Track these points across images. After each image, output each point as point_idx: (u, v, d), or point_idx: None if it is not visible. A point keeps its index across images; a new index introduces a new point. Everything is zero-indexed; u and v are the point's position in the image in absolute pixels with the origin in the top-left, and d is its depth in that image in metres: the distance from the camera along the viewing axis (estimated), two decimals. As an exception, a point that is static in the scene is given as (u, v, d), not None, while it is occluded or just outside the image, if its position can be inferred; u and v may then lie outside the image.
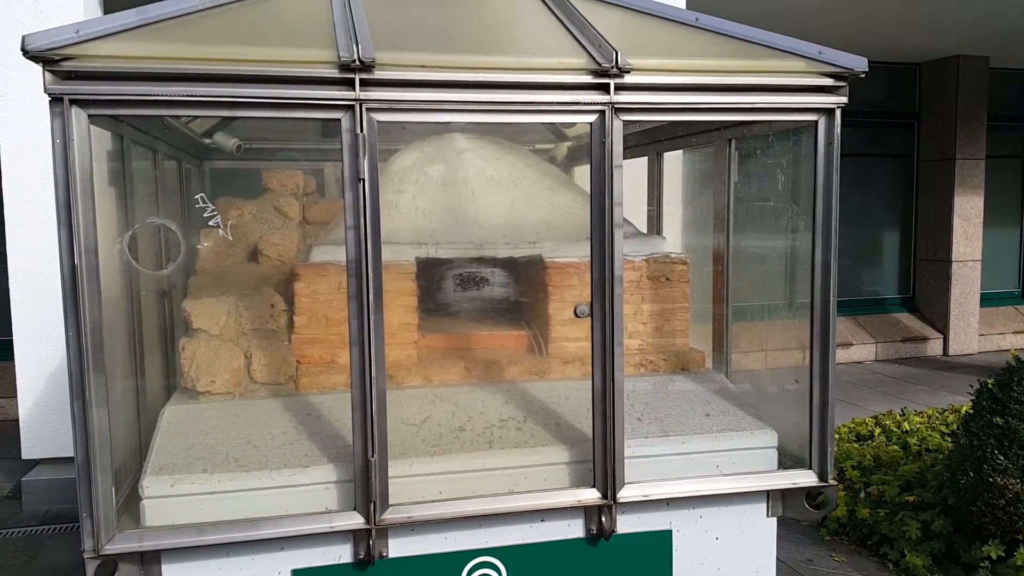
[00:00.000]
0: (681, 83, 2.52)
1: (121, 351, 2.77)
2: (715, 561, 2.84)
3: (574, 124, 3.96)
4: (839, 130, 2.67)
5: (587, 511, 2.66)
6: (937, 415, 6.43)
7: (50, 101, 2.15)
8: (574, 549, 2.70)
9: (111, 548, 2.28)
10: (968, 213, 10.00)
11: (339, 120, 2.32)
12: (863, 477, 5.05)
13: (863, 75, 2.60)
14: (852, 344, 10.02)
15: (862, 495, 4.89)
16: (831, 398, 2.75)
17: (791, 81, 2.60)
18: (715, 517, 2.82)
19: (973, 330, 10.40)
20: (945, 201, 10.04)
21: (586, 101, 2.47)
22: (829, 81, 2.61)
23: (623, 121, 2.52)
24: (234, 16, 2.56)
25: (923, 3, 7.19)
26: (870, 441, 5.91)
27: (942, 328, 10.45)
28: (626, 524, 2.71)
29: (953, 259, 10.10)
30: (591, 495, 2.62)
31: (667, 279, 3.30)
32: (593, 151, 2.52)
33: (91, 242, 2.20)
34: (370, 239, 2.35)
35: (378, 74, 2.31)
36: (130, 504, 2.47)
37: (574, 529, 2.69)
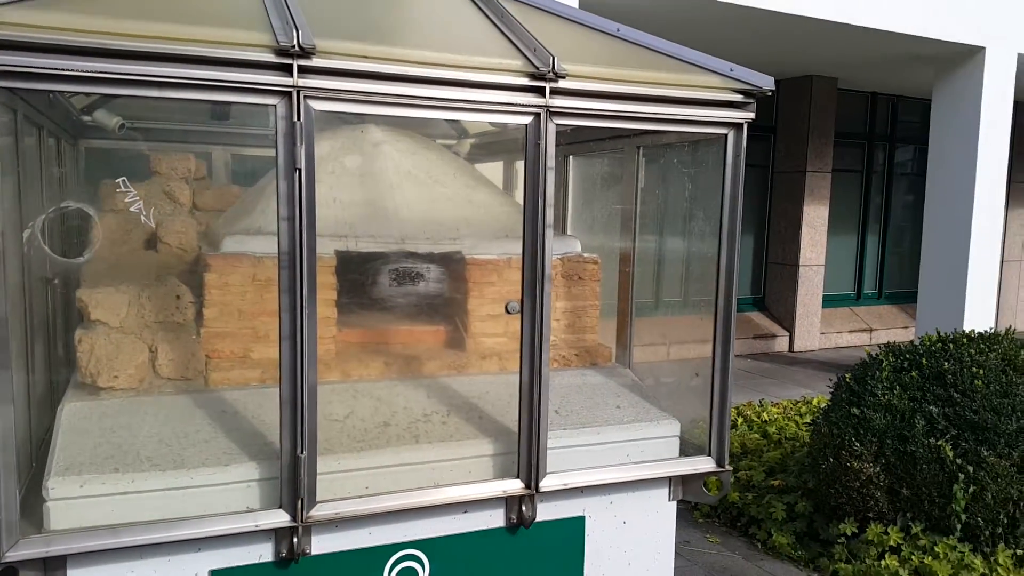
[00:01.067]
0: (612, 91, 2.64)
1: (15, 343, 2.54)
2: (622, 544, 3.01)
3: (498, 124, 4.02)
4: (745, 143, 2.90)
5: (508, 501, 2.74)
6: (791, 406, 7.06)
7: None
8: (494, 538, 2.77)
9: (13, 555, 2.10)
10: (815, 221, 10.97)
11: (274, 106, 2.25)
12: (731, 463, 5.47)
13: (769, 92, 2.83)
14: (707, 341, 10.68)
15: (731, 480, 5.29)
16: (729, 390, 2.98)
17: (707, 95, 2.79)
18: (623, 502, 2.99)
19: (815, 328, 11.42)
20: (795, 210, 10.95)
21: (523, 103, 2.54)
22: (739, 97, 2.83)
23: (556, 125, 2.61)
24: None
25: (781, 30, 7.82)
26: (734, 430, 6.40)
27: (788, 326, 11.40)
28: (544, 512, 2.81)
29: (800, 263, 11.05)
30: (515, 486, 2.70)
31: (579, 277, 3.44)
32: (527, 153, 2.60)
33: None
34: (305, 231, 2.30)
35: (317, 62, 2.26)
36: (28, 507, 2.28)
37: (495, 519, 2.76)
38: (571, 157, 4.18)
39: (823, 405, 6.88)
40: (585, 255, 3.48)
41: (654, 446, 3.01)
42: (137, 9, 2.22)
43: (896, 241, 12.67)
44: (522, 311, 2.64)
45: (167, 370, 2.77)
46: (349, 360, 3.01)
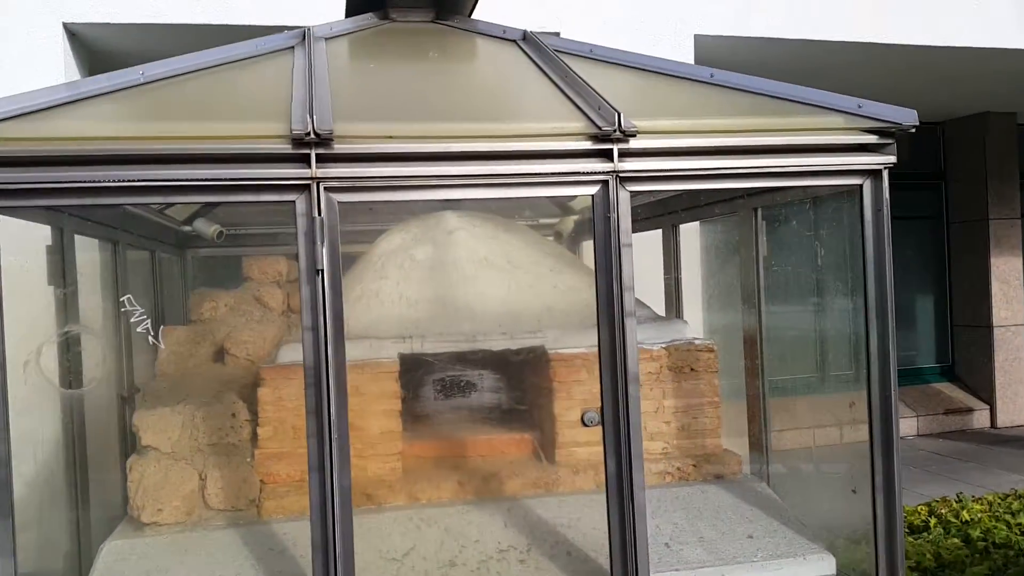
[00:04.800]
0: (696, 146, 2.14)
1: (59, 478, 2.37)
2: None
3: (575, 196, 3.61)
4: (888, 194, 2.28)
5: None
6: (999, 501, 5.79)
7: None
8: None
9: None
10: (1007, 275, 9.48)
11: (293, 203, 1.96)
12: (924, 581, 4.44)
13: (912, 129, 2.21)
14: (892, 418, 9.35)
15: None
16: (898, 516, 2.25)
17: (827, 140, 2.21)
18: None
19: (1022, 399, 9.73)
20: (981, 264, 9.54)
21: (586, 171, 2.10)
22: (873, 138, 2.23)
23: (630, 192, 2.14)
24: (179, 90, 2.25)
25: (947, 63, 6.90)
26: (925, 534, 5.28)
27: (987, 398, 9.80)
28: None
29: (994, 324, 9.54)
30: (610, 649, 2.12)
31: (692, 369, 2.87)
32: (596, 227, 2.14)
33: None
34: (331, 341, 1.95)
35: (338, 148, 1.96)
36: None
37: None
38: (680, 227, 3.66)
39: (1045, 501, 5.58)
40: (697, 342, 2.91)
41: (800, 588, 2.33)
42: (143, 110, 2.04)
43: (1115, 289, 10.72)
44: (603, 422, 2.13)
45: (217, 500, 2.49)
46: (417, 480, 2.60)
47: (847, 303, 2.44)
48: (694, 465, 2.77)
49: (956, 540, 4.97)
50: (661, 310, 3.66)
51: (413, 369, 2.66)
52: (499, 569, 2.25)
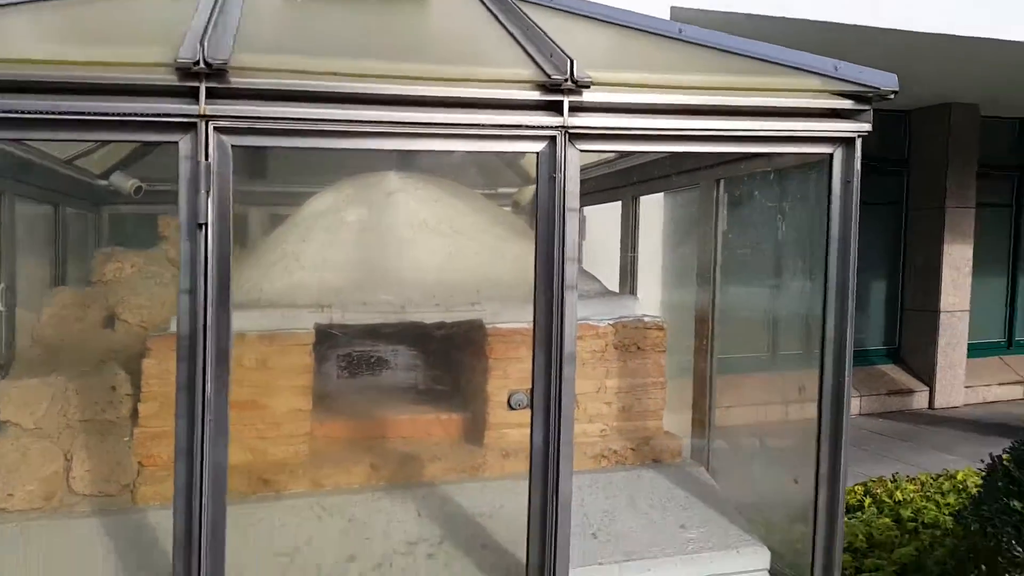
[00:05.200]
0: (656, 103, 1.89)
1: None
2: None
3: (523, 155, 3.34)
4: (859, 165, 2.06)
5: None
6: (931, 481, 5.80)
7: None
8: None
9: None
10: (958, 262, 9.55)
11: (176, 143, 1.65)
12: (854, 561, 4.38)
13: (892, 95, 1.99)
14: (838, 399, 9.43)
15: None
16: (840, 509, 2.07)
17: (800, 103, 1.98)
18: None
19: (959, 382, 9.90)
20: (935, 250, 9.60)
21: (531, 124, 1.84)
22: (848, 103, 2.00)
23: (580, 151, 1.88)
24: (78, 11, 1.91)
25: (915, 53, 6.77)
26: (860, 514, 5.24)
27: (928, 380, 9.94)
28: None
29: (942, 309, 9.63)
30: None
31: (639, 348, 2.65)
32: (539, 189, 1.88)
33: None
34: (212, 307, 1.67)
35: (234, 82, 1.65)
36: None
37: None
38: (640, 199, 3.42)
39: (970, 483, 5.55)
40: (647, 319, 2.68)
41: (735, 587, 2.16)
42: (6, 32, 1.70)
43: (1056, 280, 10.93)
44: (531, 405, 1.89)
45: (84, 484, 2.18)
46: (324, 464, 2.33)
47: (806, 283, 2.23)
48: (633, 449, 2.57)
49: (888, 520, 4.94)
50: (617, 285, 3.44)
51: (330, 342, 2.38)
52: (403, 564, 2.01)
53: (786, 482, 2.28)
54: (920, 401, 10.21)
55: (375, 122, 1.74)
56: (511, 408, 1.91)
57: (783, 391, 2.54)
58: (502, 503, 2.27)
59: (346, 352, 2.42)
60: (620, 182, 3.42)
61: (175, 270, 3.20)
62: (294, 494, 2.25)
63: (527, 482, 2.36)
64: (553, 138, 1.85)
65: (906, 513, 5.04)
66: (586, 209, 4.11)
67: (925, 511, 5.05)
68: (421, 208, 2.75)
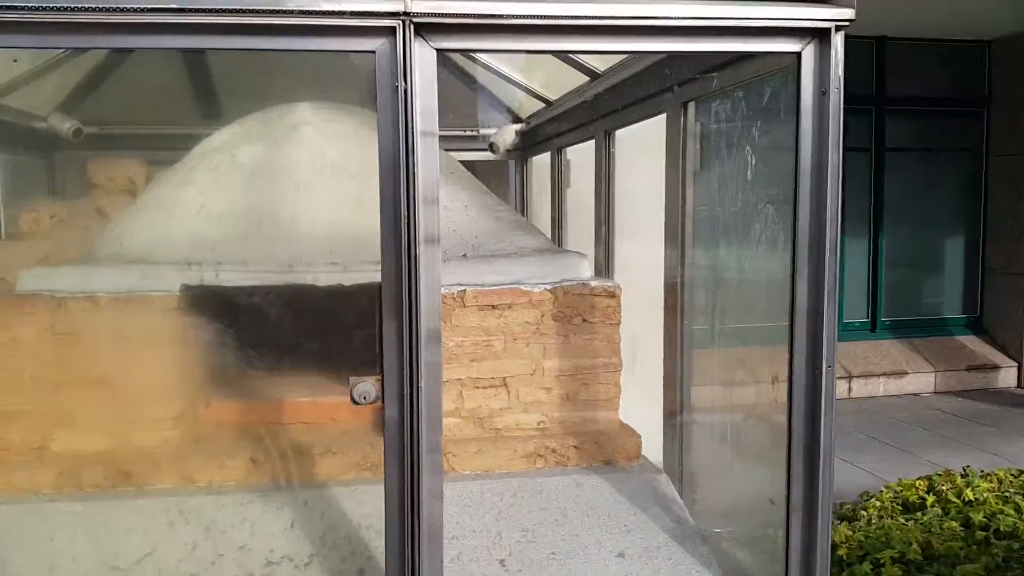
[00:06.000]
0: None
1: None
2: None
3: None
4: (841, 71, 1.49)
5: None
6: (1011, 478, 5.03)
7: None
8: None
9: None
10: (1050, 217, 8.49)
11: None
12: (909, 575, 3.76)
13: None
14: (907, 373, 8.63)
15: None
16: (821, 545, 1.54)
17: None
18: None
19: (1056, 357, 8.89)
20: (1021, 201, 8.57)
21: (360, 10, 1.35)
22: (817, -24, 1.43)
23: (435, 48, 1.38)
24: None
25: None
26: (920, 514, 4.57)
27: (1016, 354, 8.97)
28: None
29: (1031, 272, 8.63)
30: None
31: (585, 320, 2.14)
32: (380, 105, 1.39)
33: None
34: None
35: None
36: None
37: None
38: (613, 135, 2.87)
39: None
40: (595, 283, 2.17)
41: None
42: None
43: None
44: (382, 398, 1.43)
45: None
46: (195, 456, 1.95)
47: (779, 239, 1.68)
48: (576, 447, 2.08)
49: (954, 525, 4.25)
50: (592, 244, 2.91)
51: (204, 306, 1.97)
52: (255, 591, 1.60)
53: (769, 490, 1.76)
54: (1007, 379, 9.30)
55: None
56: (354, 402, 1.47)
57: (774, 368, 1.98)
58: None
59: (224, 319, 2.01)
60: (589, 116, 2.90)
61: (105, 220, 2.87)
62: (155, 491, 1.88)
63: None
64: (392, 30, 1.36)
65: (977, 517, 4.31)
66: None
67: (1002, 517, 4.31)
68: (329, 145, 2.30)
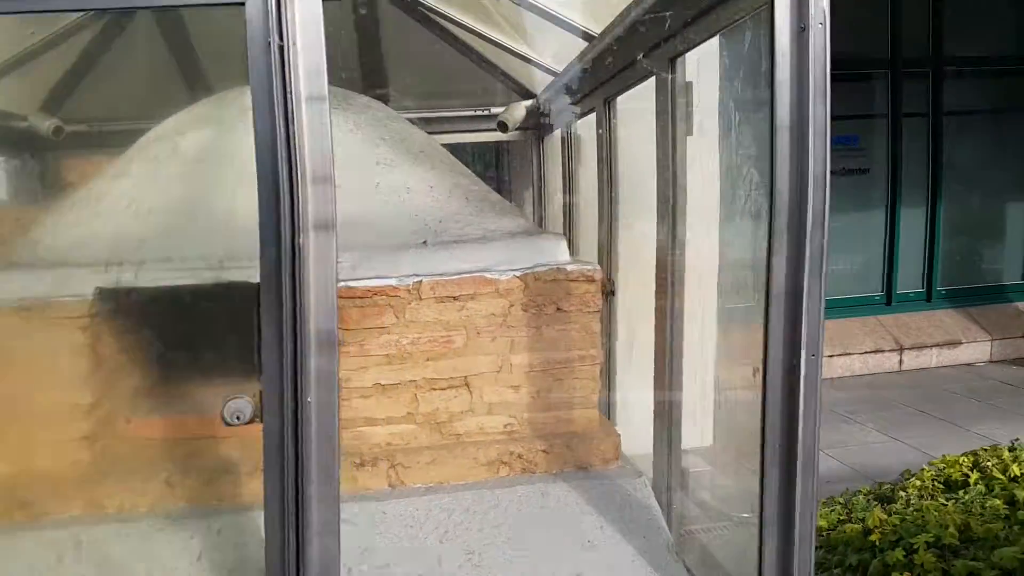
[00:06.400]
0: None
1: None
2: None
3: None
4: (827, 3, 1.20)
5: None
6: (1064, 453, 4.61)
7: None
8: None
9: None
10: (1126, 172, 7.88)
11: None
12: (941, 562, 3.41)
13: None
14: (961, 342, 8.16)
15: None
16: (803, 567, 1.27)
17: None
18: None
19: (1124, 323, 8.30)
20: (1085, 159, 7.97)
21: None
22: None
23: None
24: None
25: None
26: (962, 492, 4.18)
27: (1081, 321, 8.43)
28: None
29: (1098, 233, 8.06)
30: None
31: (560, 309, 1.90)
32: (252, 66, 1.16)
33: None
34: None
35: None
36: None
37: None
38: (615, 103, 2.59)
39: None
40: (571, 268, 1.91)
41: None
42: None
43: None
44: (261, 416, 1.21)
45: None
46: (107, 478, 1.76)
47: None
48: (545, 451, 1.84)
49: (998, 502, 3.88)
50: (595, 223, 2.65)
51: (119, 312, 1.78)
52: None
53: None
54: (1066, 345, 8.73)
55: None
56: (225, 423, 1.25)
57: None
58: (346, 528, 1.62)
59: (145, 326, 1.82)
60: (590, 85, 2.64)
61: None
62: (58, 521, 1.70)
63: (388, 501, 1.72)
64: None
65: (1022, 495, 3.96)
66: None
67: (1050, 494, 3.93)
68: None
